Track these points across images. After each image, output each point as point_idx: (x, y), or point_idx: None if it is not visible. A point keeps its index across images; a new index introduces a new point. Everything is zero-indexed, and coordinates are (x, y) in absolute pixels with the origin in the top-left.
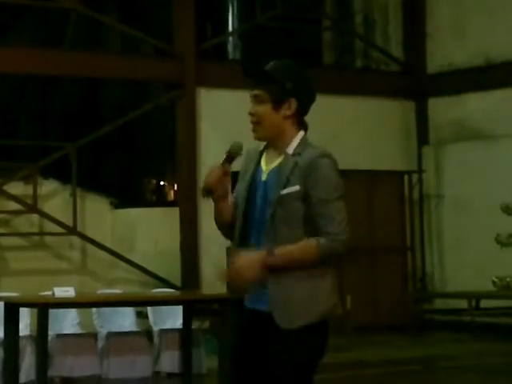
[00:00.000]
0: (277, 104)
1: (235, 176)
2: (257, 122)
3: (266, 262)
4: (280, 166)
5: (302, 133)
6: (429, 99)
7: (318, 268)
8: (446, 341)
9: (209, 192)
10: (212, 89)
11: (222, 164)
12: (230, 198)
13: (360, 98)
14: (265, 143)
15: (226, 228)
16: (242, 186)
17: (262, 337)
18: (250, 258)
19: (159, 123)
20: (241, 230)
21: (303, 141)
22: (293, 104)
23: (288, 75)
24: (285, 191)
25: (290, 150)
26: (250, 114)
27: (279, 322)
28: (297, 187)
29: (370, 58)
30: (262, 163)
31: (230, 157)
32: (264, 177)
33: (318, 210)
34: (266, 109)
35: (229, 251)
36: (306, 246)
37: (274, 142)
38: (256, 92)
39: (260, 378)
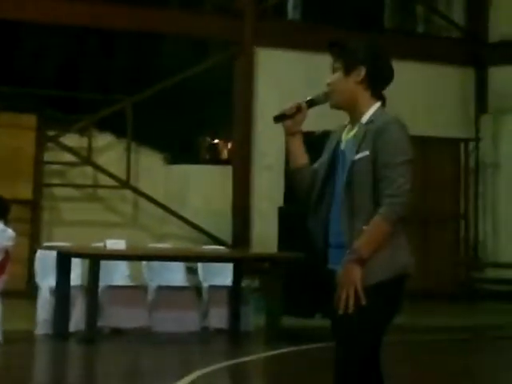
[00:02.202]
0: (347, 70)
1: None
2: (331, 91)
3: (357, 264)
4: (355, 134)
5: (377, 104)
6: (489, 67)
7: (387, 236)
8: (495, 311)
9: (280, 117)
10: (270, 48)
11: (302, 103)
12: (305, 154)
13: (419, 63)
14: (347, 120)
15: (296, 173)
16: (325, 157)
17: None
18: (350, 270)
19: (216, 81)
20: (317, 200)
21: (378, 111)
22: (362, 71)
23: (360, 47)
24: (357, 157)
25: (365, 119)
26: (327, 84)
27: (366, 280)
28: (367, 152)
29: (432, 24)
30: (343, 135)
31: (312, 101)
32: (343, 146)
33: (382, 173)
34: (338, 76)
35: (280, 211)
36: (375, 227)
37: (350, 112)
38: (334, 64)
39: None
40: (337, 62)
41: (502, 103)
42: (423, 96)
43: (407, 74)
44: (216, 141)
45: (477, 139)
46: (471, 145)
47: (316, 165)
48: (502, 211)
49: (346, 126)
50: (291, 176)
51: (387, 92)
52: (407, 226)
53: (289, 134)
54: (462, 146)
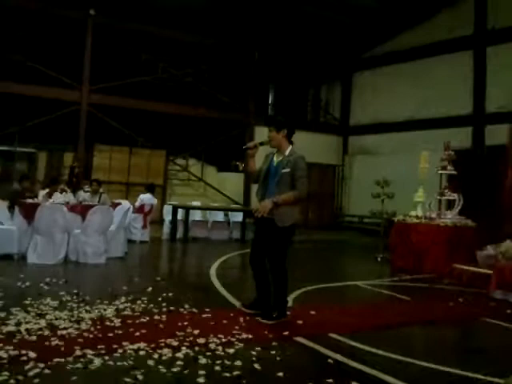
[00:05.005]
0: (278, 131)
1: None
2: (270, 140)
3: (273, 203)
4: (282, 160)
5: (291, 146)
6: (349, 136)
7: (293, 204)
8: (348, 234)
9: (248, 148)
10: (262, 127)
11: (257, 142)
12: (256, 166)
13: (322, 134)
14: (275, 150)
15: (250, 174)
16: (264, 166)
17: (268, 228)
18: (267, 202)
19: (237, 142)
20: (261, 185)
21: (292, 149)
22: (285, 131)
23: (284, 120)
24: (283, 171)
25: (286, 153)
26: (268, 136)
27: (278, 224)
28: (288, 169)
29: (327, 117)
30: (274, 158)
31: (262, 143)
32: (275, 164)
33: (296, 179)
34: (274, 133)
35: (257, 193)
36: (289, 195)
37: (279, 149)
38: (270, 128)
39: (265, 243)
40: (271, 127)
41: (353, 150)
42: (322, 148)
43: (316, 139)
44: (238, 163)
45: (343, 164)
46: (340, 167)
47: (258, 168)
48: (352, 195)
49: (274, 154)
50: (248, 174)
51: (307, 146)
52: (314, 199)
53: (249, 156)
54: (337, 167)
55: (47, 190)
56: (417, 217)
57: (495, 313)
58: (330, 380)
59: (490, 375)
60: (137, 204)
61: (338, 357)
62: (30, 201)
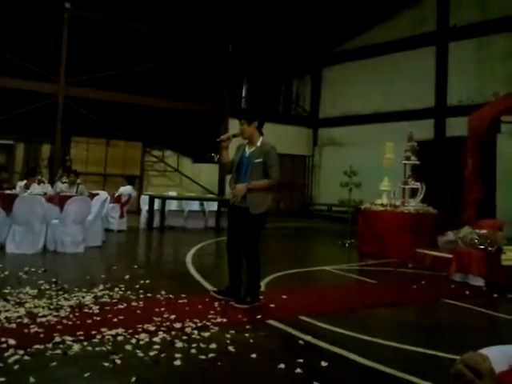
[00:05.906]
0: (249, 123)
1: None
2: (242, 132)
3: (247, 187)
4: (254, 150)
5: (262, 137)
6: (318, 129)
7: (266, 192)
8: (317, 221)
9: (221, 141)
10: (234, 119)
11: (230, 135)
12: (229, 157)
13: (293, 126)
14: (247, 141)
15: (224, 165)
16: (236, 157)
17: (242, 216)
18: (241, 186)
19: (214, 131)
20: (235, 174)
21: (263, 140)
22: (256, 123)
23: (255, 112)
24: (256, 161)
25: (258, 144)
26: (240, 129)
27: (251, 211)
28: (261, 159)
29: (298, 110)
30: (246, 149)
31: (234, 135)
32: (247, 154)
33: (269, 168)
34: (245, 126)
35: (231, 182)
36: (262, 182)
37: (250, 140)
38: (242, 121)
39: (239, 230)
40: (243, 120)
41: (322, 142)
42: (294, 139)
43: (288, 131)
44: (213, 154)
45: (313, 155)
46: (310, 158)
47: (231, 158)
48: (321, 185)
49: (246, 144)
50: (222, 165)
51: (279, 138)
52: (286, 189)
53: (223, 148)
54: (307, 158)
55: (25, 182)
56: (382, 205)
57: (455, 294)
58: (301, 360)
59: (451, 352)
60: (116, 194)
61: (309, 338)
62: (7, 192)
